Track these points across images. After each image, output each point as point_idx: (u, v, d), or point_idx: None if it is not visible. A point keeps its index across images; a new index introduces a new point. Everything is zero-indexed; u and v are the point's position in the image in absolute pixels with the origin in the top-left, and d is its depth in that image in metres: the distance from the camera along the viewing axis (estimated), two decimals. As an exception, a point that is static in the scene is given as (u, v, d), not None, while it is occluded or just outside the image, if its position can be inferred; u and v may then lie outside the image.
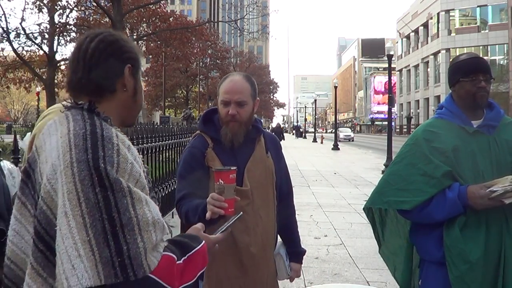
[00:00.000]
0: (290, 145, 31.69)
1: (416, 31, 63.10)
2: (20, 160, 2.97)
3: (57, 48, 22.06)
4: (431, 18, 57.22)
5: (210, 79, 48.22)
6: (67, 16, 21.93)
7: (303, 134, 59.81)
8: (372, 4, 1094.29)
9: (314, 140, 44.13)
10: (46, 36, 21.70)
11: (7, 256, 1.26)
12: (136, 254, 1.09)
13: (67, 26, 22.03)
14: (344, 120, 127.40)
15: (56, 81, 21.37)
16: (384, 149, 17.63)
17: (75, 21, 22.86)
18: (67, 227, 1.08)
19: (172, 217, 6.42)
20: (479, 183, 1.97)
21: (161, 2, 21.85)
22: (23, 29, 21.12)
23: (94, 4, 19.31)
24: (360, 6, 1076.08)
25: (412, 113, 65.41)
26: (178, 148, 7.20)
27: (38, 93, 33.80)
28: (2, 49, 22.09)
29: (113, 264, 1.07)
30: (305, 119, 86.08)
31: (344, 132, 53.62)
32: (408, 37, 66.38)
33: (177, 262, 1.18)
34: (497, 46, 49.39)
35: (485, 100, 2.09)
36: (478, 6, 51.49)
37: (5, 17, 19.95)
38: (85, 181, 1.10)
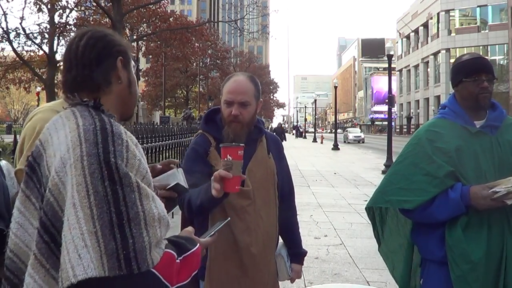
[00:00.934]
0: (290, 145, 31.67)
1: (416, 31, 63.10)
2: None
3: (57, 48, 22.12)
4: (431, 18, 57.21)
5: (210, 79, 48.25)
6: (67, 16, 21.95)
7: (303, 134, 59.79)
8: (372, 4, 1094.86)
9: (314, 140, 44.14)
10: (46, 36, 21.72)
11: (9, 249, 1.27)
12: (141, 248, 1.10)
13: (67, 26, 22.04)
14: (344, 120, 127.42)
15: (56, 81, 21.36)
16: (384, 149, 17.63)
17: (75, 21, 22.87)
18: (75, 218, 1.10)
19: (172, 217, 6.41)
20: (481, 183, 1.97)
21: (161, 2, 21.86)
22: (23, 29, 21.17)
23: (94, 4, 19.31)
24: (360, 6, 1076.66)
25: (412, 113, 65.40)
26: (178, 148, 7.20)
27: (38, 93, 33.82)
28: (2, 49, 22.12)
29: (118, 256, 1.08)
30: (305, 119, 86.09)
31: (354, 132, 46.56)
32: (408, 37, 66.38)
33: (176, 261, 1.20)
34: (497, 46, 49.39)
35: (487, 100, 2.08)
36: (478, 6, 51.49)
37: (5, 17, 19.98)
38: (95, 174, 1.12)
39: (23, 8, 20.94)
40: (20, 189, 1.30)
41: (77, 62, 1.30)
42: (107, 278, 1.07)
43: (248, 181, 2.08)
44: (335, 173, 14.85)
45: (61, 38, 22.11)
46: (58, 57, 21.89)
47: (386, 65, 22.19)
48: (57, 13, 21.54)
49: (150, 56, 29.82)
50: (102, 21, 21.66)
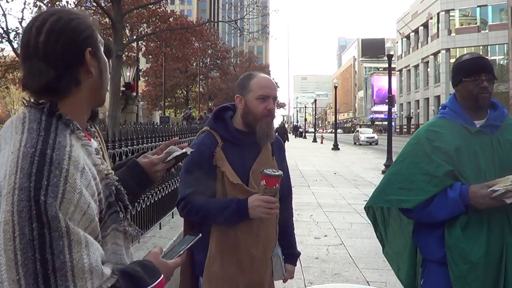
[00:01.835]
0: (290, 145, 31.67)
1: (416, 31, 63.09)
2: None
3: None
4: (431, 18, 57.21)
5: (210, 79, 48.23)
6: (67, 16, 21.92)
7: (303, 134, 59.76)
8: (372, 4, 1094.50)
9: (314, 140, 44.12)
10: (46, 36, 21.69)
11: None
12: None
13: (67, 26, 22.00)
14: (344, 120, 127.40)
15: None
16: (384, 149, 17.63)
17: (75, 21, 22.84)
18: None
19: (172, 217, 6.42)
20: (481, 182, 1.96)
21: (161, 2, 21.86)
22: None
23: (94, 4, 19.31)
24: (360, 6, 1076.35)
25: (412, 113, 65.40)
26: (178, 148, 7.19)
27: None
28: (2, 49, 22.12)
29: None
30: (305, 119, 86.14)
31: (366, 133, 39.93)
32: (408, 37, 66.37)
33: None
34: (497, 46, 49.40)
35: (487, 100, 2.08)
36: (478, 6, 51.50)
37: (5, 17, 20.01)
38: (23, 213, 0.98)
39: (23, 9, 20.96)
40: None
41: (39, 62, 1.11)
42: None
43: (253, 182, 2.07)
44: (335, 173, 14.85)
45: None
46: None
47: (386, 65, 22.20)
48: (57, 13, 21.53)
49: (150, 56, 29.81)
50: (102, 21, 21.67)
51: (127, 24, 21.41)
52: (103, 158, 1.28)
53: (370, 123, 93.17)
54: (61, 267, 0.99)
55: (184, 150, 1.58)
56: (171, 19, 23.81)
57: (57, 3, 20.30)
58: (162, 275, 1.17)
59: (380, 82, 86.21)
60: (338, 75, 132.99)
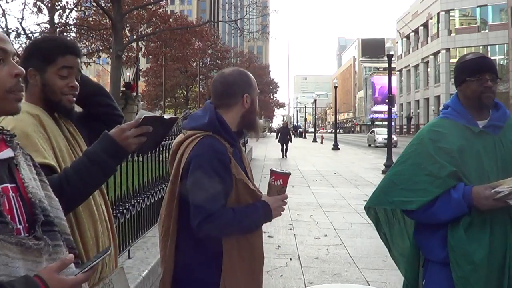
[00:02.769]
0: (290, 145, 31.62)
1: (416, 31, 63.09)
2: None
3: (57, 48, 22.06)
4: (431, 18, 57.21)
5: (210, 79, 48.18)
6: (67, 16, 21.97)
7: (303, 134, 59.76)
8: (372, 4, 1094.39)
9: (314, 140, 44.11)
10: (46, 36, 21.73)
11: None
12: None
13: (67, 26, 22.04)
14: (344, 120, 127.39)
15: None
16: (384, 149, 17.62)
17: (75, 21, 22.88)
18: None
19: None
20: (484, 183, 1.95)
21: (161, 3, 21.86)
22: (23, 29, 21.17)
23: (94, 4, 19.31)
24: (360, 6, 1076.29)
25: (412, 113, 65.40)
26: (178, 148, 7.19)
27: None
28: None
29: None
30: (305, 119, 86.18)
31: (383, 134, 32.04)
32: (408, 37, 66.37)
33: None
34: (497, 46, 49.40)
35: (491, 100, 2.07)
36: (478, 6, 51.51)
37: (5, 17, 20.02)
38: None
39: (23, 9, 20.97)
40: None
41: None
42: None
43: (256, 185, 2.00)
44: (335, 173, 14.85)
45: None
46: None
47: (386, 65, 22.19)
48: (57, 13, 21.56)
49: (150, 57, 29.79)
50: (102, 21, 21.67)
51: (127, 25, 21.39)
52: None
53: (370, 123, 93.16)
54: None
55: (159, 115, 1.50)
56: (171, 20, 23.81)
57: (57, 3, 20.32)
58: None
59: (381, 81, 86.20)
60: (338, 75, 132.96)
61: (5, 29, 20.35)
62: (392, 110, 17.92)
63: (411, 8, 65.79)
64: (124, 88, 18.12)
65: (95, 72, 77.55)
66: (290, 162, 19.57)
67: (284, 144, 22.51)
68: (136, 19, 22.34)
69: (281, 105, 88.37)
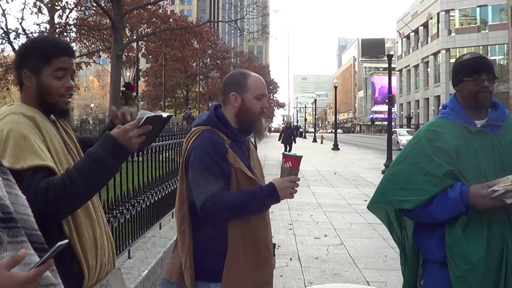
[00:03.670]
0: (290, 145, 31.65)
1: (416, 31, 63.07)
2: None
3: (57, 49, 22.04)
4: (431, 18, 57.20)
5: (210, 79, 48.24)
6: (67, 16, 21.96)
7: (303, 134, 59.76)
8: (372, 4, 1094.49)
9: (314, 140, 44.13)
10: (46, 36, 21.70)
11: None
12: None
13: (67, 26, 22.04)
14: (344, 120, 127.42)
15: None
16: (384, 149, 17.64)
17: (75, 21, 22.87)
18: None
19: (172, 217, 6.41)
20: (481, 182, 1.96)
21: (161, 3, 21.86)
22: (23, 29, 21.17)
23: (94, 4, 19.31)
24: (360, 6, 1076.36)
25: (412, 113, 65.36)
26: (178, 148, 7.19)
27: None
28: (2, 50, 22.11)
29: None
30: (305, 119, 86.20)
31: (405, 135, 29.44)
32: (408, 37, 66.36)
33: None
34: (497, 46, 49.38)
35: (488, 100, 2.08)
36: (478, 6, 51.49)
37: (5, 17, 20.02)
38: None
39: (23, 9, 20.95)
40: None
41: None
42: None
43: (261, 178, 2.12)
44: (335, 173, 14.85)
45: (61, 38, 22.09)
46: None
47: (386, 65, 22.19)
48: (57, 13, 21.55)
49: (150, 57, 29.80)
50: (102, 21, 21.67)
51: (127, 25, 21.39)
52: None
53: (370, 123, 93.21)
54: None
55: (158, 114, 1.55)
56: (171, 20, 23.80)
57: (57, 3, 20.31)
58: None
59: (381, 81, 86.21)
60: (338, 75, 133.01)
61: (5, 29, 20.34)
62: (392, 110, 17.93)
63: (411, 8, 65.78)
64: (124, 88, 18.14)
65: (95, 72, 77.45)
66: (290, 162, 19.51)
67: (288, 145, 22.43)
68: (136, 19, 22.35)
69: (281, 105, 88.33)
